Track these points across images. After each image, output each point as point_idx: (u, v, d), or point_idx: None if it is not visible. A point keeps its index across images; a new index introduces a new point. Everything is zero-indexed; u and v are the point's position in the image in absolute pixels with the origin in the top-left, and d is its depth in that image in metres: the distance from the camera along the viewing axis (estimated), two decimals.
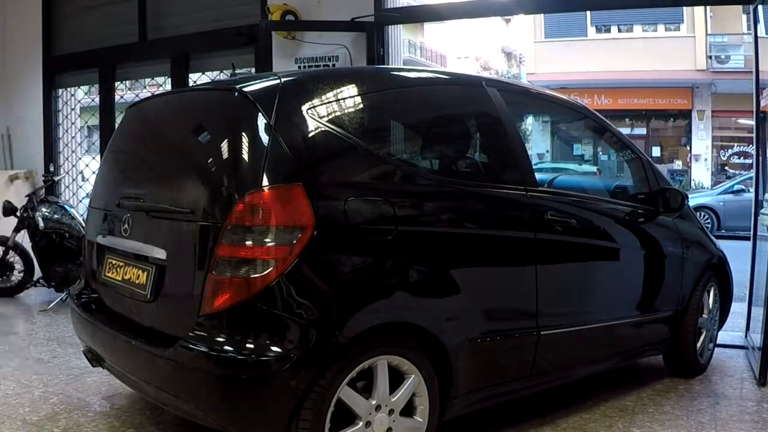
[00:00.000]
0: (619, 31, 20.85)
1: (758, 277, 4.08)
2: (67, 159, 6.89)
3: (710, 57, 18.90)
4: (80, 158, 7.04)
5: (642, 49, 18.85)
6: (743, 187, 13.09)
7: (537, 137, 20.45)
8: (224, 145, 2.38)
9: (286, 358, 2.15)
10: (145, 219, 2.59)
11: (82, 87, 7.12)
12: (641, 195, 3.58)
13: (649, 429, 3.03)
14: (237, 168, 2.29)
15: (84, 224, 4.97)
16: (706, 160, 19.86)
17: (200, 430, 2.54)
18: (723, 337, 4.26)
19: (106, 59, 6.43)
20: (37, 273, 5.84)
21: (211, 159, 2.40)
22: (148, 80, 7.00)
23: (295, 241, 2.19)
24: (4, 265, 5.87)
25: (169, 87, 6.06)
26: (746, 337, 4.30)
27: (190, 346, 2.23)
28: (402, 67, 4.69)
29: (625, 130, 16.28)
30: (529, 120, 18.27)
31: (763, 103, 4.33)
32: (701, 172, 19.62)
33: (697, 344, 3.77)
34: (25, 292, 5.97)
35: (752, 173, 4.43)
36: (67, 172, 6.85)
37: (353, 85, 2.64)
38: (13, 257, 5.90)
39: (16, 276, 5.95)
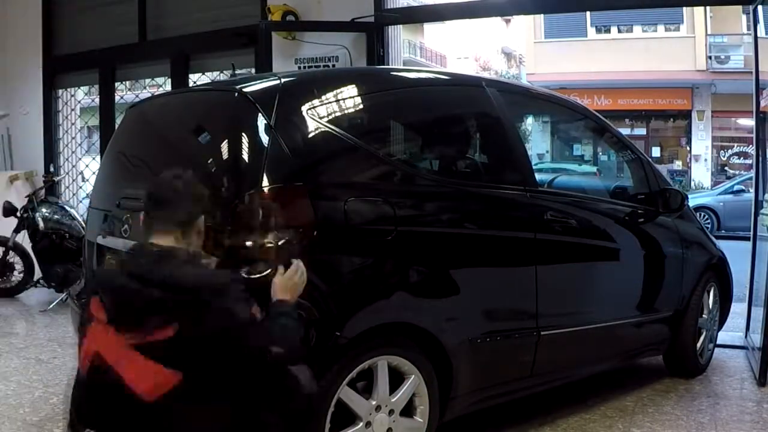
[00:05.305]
0: (619, 31, 20.81)
1: (758, 277, 4.08)
2: (67, 159, 6.88)
3: (710, 57, 18.86)
4: (80, 159, 7.04)
5: (642, 49, 18.83)
6: (743, 188, 13.08)
7: (537, 137, 20.42)
8: (224, 146, 2.38)
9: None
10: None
11: (82, 87, 7.12)
12: (641, 195, 3.58)
13: (649, 429, 3.04)
14: (237, 168, 2.29)
15: (84, 225, 4.97)
16: (706, 160, 19.83)
17: None
18: (723, 337, 4.26)
19: (106, 60, 6.43)
20: (37, 273, 5.84)
21: (211, 160, 2.40)
22: (148, 81, 6.99)
23: (295, 242, 2.19)
24: (5, 266, 5.87)
25: (169, 87, 6.06)
26: (746, 337, 4.30)
27: None
28: (402, 67, 4.70)
29: (625, 131, 16.25)
30: (529, 120, 18.25)
31: (763, 104, 4.33)
32: (701, 173, 19.60)
33: (697, 344, 3.77)
34: (26, 292, 5.97)
35: (752, 173, 4.43)
36: (67, 173, 6.84)
37: (353, 86, 2.64)
38: (13, 258, 5.90)
39: (16, 276, 5.95)
